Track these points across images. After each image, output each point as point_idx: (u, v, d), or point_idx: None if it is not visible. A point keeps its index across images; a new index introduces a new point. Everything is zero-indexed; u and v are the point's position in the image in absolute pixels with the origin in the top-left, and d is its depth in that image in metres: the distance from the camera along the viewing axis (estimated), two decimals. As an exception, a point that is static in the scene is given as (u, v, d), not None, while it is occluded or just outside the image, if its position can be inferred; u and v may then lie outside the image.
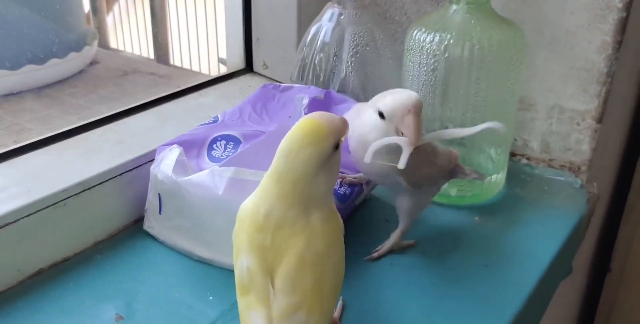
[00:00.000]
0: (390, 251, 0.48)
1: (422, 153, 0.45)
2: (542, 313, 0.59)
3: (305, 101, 0.52)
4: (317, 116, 0.36)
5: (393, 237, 0.49)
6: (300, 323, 0.34)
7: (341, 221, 0.37)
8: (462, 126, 0.55)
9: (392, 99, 0.42)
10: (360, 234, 0.53)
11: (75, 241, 0.50)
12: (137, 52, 1.24)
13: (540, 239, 0.54)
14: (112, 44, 1.25)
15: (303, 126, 0.35)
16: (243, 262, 0.35)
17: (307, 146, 0.34)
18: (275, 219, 0.34)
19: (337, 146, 0.36)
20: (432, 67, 0.54)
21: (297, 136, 0.35)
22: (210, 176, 0.46)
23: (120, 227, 0.53)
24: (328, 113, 0.37)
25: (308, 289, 0.34)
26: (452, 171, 0.51)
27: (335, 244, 0.36)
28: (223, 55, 0.87)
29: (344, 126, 0.37)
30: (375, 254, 0.48)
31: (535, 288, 0.49)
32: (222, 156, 0.53)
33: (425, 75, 0.55)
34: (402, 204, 0.49)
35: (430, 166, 0.47)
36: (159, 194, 0.50)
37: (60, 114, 0.87)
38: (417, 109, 0.41)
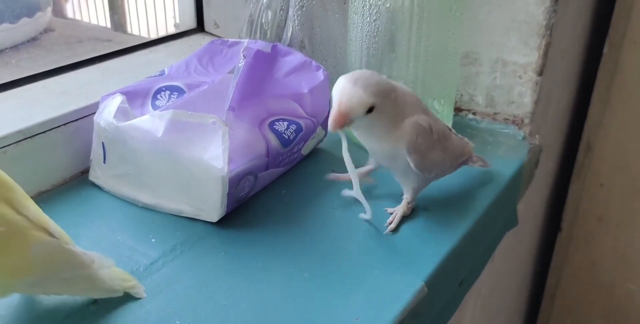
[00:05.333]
0: (402, 218, 0.49)
1: (434, 136, 0.47)
2: (486, 259, 0.61)
3: (245, 54, 0.52)
4: None
5: (401, 207, 0.50)
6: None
7: None
8: (409, 80, 0.57)
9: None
10: (307, 182, 0.54)
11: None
12: (94, 21, 1.23)
13: (481, 184, 0.55)
14: (69, 13, 1.23)
15: None
16: None
17: None
18: None
19: None
20: (374, 17, 0.55)
21: None
22: (150, 120, 0.47)
23: (66, 178, 0.53)
24: None
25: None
26: (463, 161, 0.53)
27: None
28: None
29: None
30: (393, 226, 0.48)
31: (473, 229, 0.50)
32: (166, 105, 0.53)
33: (368, 26, 0.55)
34: (409, 184, 0.49)
35: (442, 152, 0.48)
36: (102, 143, 0.51)
37: (12, 77, 0.86)
38: (341, 96, 0.42)
